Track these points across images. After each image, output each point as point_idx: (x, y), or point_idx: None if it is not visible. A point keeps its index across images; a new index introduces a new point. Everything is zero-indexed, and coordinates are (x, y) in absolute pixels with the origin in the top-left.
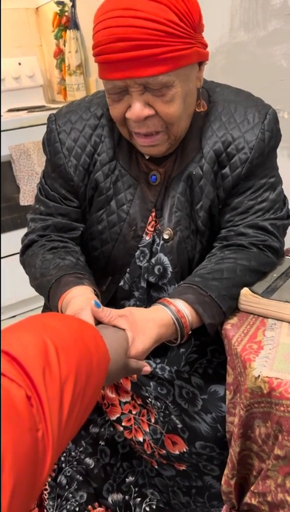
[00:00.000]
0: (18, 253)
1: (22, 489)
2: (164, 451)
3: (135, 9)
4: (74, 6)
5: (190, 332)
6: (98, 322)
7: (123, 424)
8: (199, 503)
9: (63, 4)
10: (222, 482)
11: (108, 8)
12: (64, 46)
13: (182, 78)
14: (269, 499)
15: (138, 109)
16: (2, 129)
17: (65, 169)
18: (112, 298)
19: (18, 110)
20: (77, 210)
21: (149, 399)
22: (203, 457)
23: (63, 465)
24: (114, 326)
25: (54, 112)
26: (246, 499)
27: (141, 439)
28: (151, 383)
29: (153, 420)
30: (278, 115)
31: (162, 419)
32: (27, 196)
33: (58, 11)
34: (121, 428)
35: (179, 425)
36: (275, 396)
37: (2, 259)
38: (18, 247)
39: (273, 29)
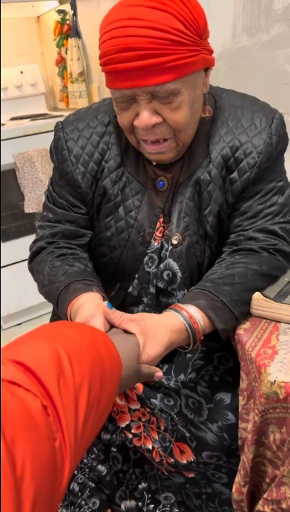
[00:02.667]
0: (23, 260)
1: (43, 499)
2: (172, 460)
3: (141, 19)
4: (75, 14)
5: (202, 338)
6: (110, 327)
7: (132, 431)
8: (210, 507)
9: (64, 13)
10: (233, 489)
11: (114, 18)
12: (66, 54)
13: (188, 85)
14: (283, 506)
15: (145, 117)
16: (6, 138)
17: (73, 176)
18: (121, 304)
19: (21, 118)
20: (84, 217)
21: (155, 410)
22: (211, 466)
23: (76, 472)
24: (124, 330)
25: (58, 119)
26: (258, 507)
27: (149, 446)
28: (158, 395)
29: (162, 428)
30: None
31: (171, 428)
32: (31, 204)
33: (60, 20)
34: (130, 436)
35: (187, 434)
36: None
37: (7, 267)
38: (23, 254)
39: (276, 34)
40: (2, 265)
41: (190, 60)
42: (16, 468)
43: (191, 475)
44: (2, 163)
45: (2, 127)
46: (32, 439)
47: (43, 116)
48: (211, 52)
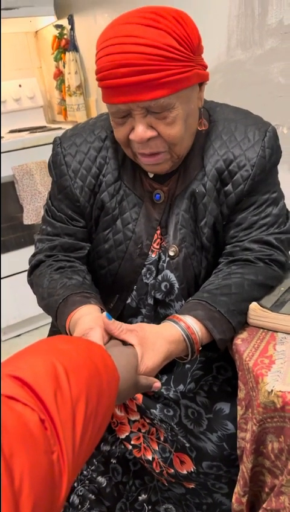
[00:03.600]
0: (22, 271)
1: None
2: (172, 471)
3: (135, 36)
4: (72, 29)
5: (200, 349)
6: (109, 339)
7: (132, 442)
8: None
9: (62, 27)
10: (233, 500)
11: (109, 35)
12: (64, 67)
13: (183, 99)
14: None
15: (141, 131)
16: (5, 150)
17: (71, 190)
18: (120, 316)
19: (20, 131)
20: (83, 230)
21: (155, 421)
22: (211, 477)
23: (75, 484)
24: (123, 340)
25: (56, 131)
26: None
27: (150, 457)
28: (157, 405)
29: (162, 438)
30: (278, 130)
31: (170, 438)
32: (30, 215)
33: (58, 34)
34: (130, 447)
35: (187, 444)
36: (289, 411)
37: (6, 278)
38: (22, 265)
39: (270, 48)
40: (1, 277)
41: (184, 75)
42: (14, 481)
43: (192, 486)
44: (1, 176)
45: (1, 139)
46: (30, 452)
47: (41, 128)
48: (205, 67)
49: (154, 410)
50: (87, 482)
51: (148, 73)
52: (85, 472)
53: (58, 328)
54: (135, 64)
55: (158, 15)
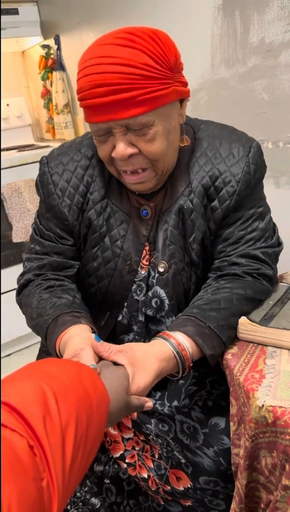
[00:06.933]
0: (11, 290)
1: None
2: (169, 488)
3: (112, 56)
4: (59, 49)
5: (191, 365)
6: (99, 359)
7: (127, 460)
8: None
9: (48, 47)
10: None
11: (87, 57)
12: (51, 86)
13: (162, 116)
14: None
15: (121, 149)
16: None
17: (59, 209)
18: (111, 333)
19: (8, 149)
20: (72, 248)
21: (150, 436)
22: (208, 493)
23: (68, 506)
24: (113, 361)
25: (45, 149)
26: None
27: (145, 475)
28: (152, 420)
29: (157, 455)
30: (262, 145)
31: (165, 455)
32: (19, 233)
33: (44, 54)
34: (125, 466)
35: (183, 460)
36: (280, 425)
37: None
38: (11, 284)
39: (253, 65)
40: (0, 292)
41: (161, 92)
42: (2, 510)
43: (189, 503)
44: None
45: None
46: (19, 480)
47: (30, 147)
48: (185, 84)
49: (150, 425)
50: (80, 504)
51: (125, 92)
52: (78, 494)
53: (47, 348)
54: (111, 84)
55: (133, 35)
